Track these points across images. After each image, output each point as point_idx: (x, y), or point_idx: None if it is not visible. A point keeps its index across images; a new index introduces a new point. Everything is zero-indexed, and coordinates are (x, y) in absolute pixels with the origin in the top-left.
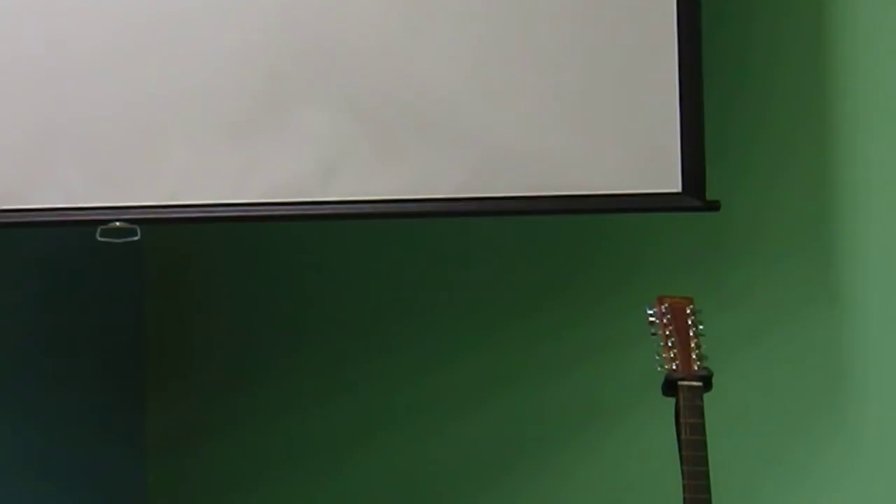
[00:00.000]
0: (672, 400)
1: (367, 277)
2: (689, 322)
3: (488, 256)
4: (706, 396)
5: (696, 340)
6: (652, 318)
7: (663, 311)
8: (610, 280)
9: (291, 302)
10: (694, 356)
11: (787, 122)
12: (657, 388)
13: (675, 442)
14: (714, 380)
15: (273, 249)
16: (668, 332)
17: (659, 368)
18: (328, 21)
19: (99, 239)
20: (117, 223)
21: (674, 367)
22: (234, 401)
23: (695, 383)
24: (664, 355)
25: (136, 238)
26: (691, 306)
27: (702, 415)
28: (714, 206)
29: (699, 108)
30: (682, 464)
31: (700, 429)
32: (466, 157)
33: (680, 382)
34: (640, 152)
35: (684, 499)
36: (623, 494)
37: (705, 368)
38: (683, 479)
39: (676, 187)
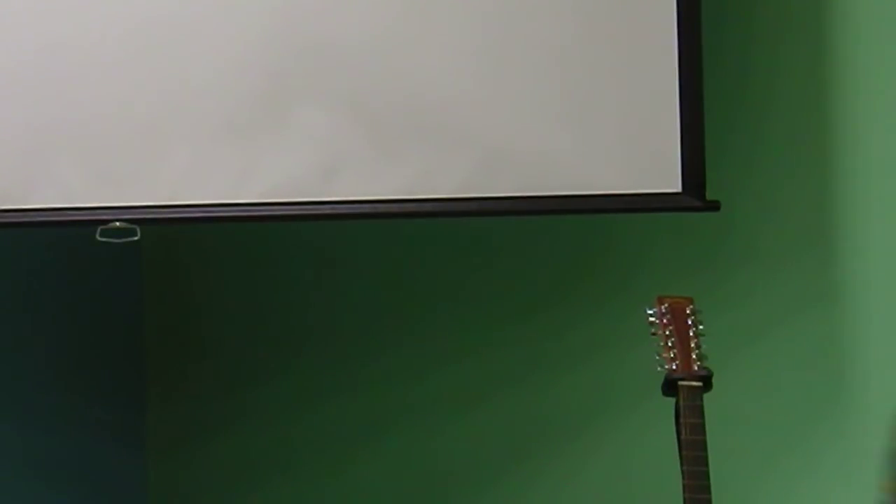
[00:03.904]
0: (672, 400)
1: (367, 277)
2: (689, 322)
3: (489, 257)
4: (706, 396)
5: (696, 340)
6: (652, 318)
7: (663, 311)
8: (610, 280)
9: (291, 302)
10: (694, 356)
11: (787, 122)
12: (657, 388)
13: (675, 442)
14: (714, 380)
15: (273, 249)
16: (668, 332)
17: (659, 368)
18: (328, 21)
19: (99, 239)
20: (117, 223)
21: (674, 367)
22: (234, 401)
23: (695, 383)
24: (664, 355)
25: (135, 238)
26: (691, 306)
27: (702, 415)
28: (714, 206)
29: (699, 108)
30: (682, 464)
31: (700, 429)
32: (467, 156)
33: (680, 382)
34: (640, 152)
35: (684, 499)
36: (623, 494)
37: (705, 368)
38: (683, 479)
39: (676, 187)
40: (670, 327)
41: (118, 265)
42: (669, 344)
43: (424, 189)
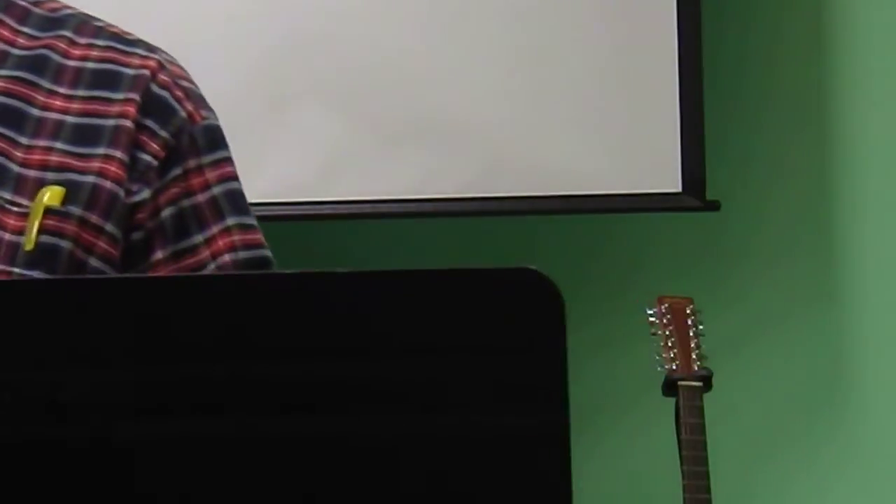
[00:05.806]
0: (672, 400)
1: None
2: (689, 322)
3: (489, 257)
4: (706, 396)
5: (696, 340)
6: (652, 319)
7: (663, 311)
8: (610, 280)
9: None
10: (694, 356)
11: (787, 122)
12: (657, 389)
13: (675, 442)
14: (714, 380)
15: (273, 250)
16: (668, 333)
17: (659, 368)
18: (330, 20)
19: None
20: None
21: (674, 367)
22: None
23: (695, 383)
24: (664, 355)
25: None
26: (691, 306)
27: (702, 415)
28: (714, 206)
29: (699, 108)
30: (682, 464)
31: (700, 429)
32: (468, 158)
33: (680, 382)
34: (640, 152)
35: (684, 499)
36: (623, 494)
37: (705, 368)
38: (683, 479)
39: (676, 187)
40: (670, 327)
41: None
42: (669, 344)
43: (425, 189)
